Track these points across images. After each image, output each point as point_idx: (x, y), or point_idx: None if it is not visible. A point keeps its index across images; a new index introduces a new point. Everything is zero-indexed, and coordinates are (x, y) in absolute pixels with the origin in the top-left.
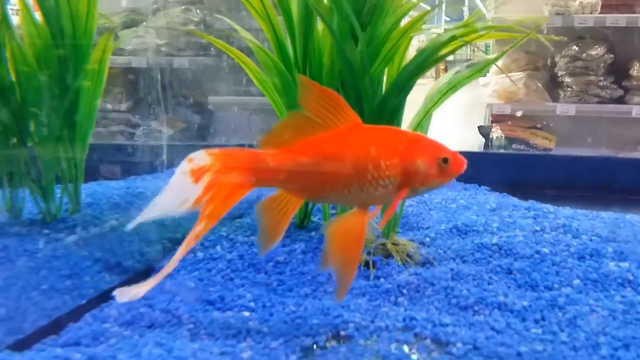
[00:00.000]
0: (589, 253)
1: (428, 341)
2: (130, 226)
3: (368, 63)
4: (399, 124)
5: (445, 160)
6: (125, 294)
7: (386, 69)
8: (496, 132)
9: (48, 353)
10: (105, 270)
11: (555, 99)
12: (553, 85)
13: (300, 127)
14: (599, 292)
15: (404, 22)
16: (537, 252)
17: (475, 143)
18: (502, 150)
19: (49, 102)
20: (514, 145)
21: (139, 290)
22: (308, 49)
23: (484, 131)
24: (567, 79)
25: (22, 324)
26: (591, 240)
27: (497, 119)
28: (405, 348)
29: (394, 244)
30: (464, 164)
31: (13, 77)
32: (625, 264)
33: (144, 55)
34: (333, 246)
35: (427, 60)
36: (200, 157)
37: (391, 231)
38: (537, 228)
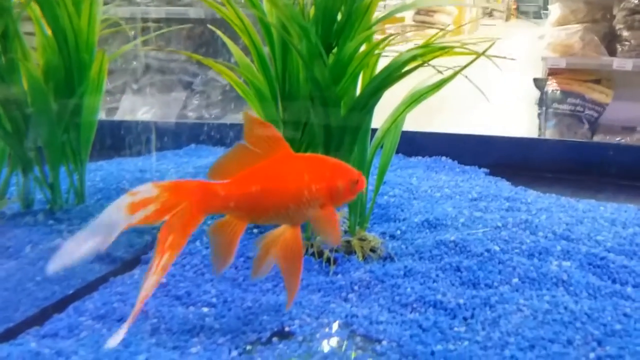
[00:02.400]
0: (538, 251)
1: (359, 338)
2: (51, 269)
3: (334, 81)
4: (366, 132)
5: (355, 182)
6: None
7: (360, 81)
8: (551, 85)
9: (24, 347)
10: (96, 261)
11: (612, 53)
12: (611, 39)
13: (244, 158)
14: (532, 291)
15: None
16: (488, 250)
17: (531, 96)
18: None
19: (55, 107)
20: (569, 100)
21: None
22: (287, 63)
23: (539, 84)
24: (625, 33)
25: (14, 313)
26: (546, 237)
27: (553, 72)
28: (336, 345)
29: (360, 239)
30: (365, 183)
31: (25, 86)
32: (567, 264)
33: (201, 6)
34: (280, 263)
35: (390, 77)
36: (146, 190)
37: (358, 227)
38: (500, 224)
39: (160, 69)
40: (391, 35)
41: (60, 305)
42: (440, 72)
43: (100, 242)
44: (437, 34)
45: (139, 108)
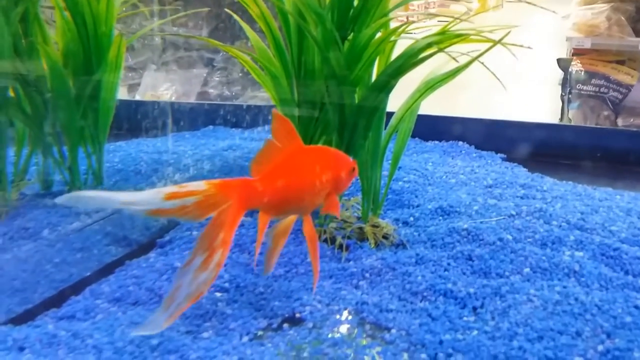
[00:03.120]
0: (552, 241)
1: (368, 326)
2: (59, 201)
3: (349, 68)
4: (380, 121)
5: (353, 170)
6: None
7: (375, 68)
8: (576, 66)
9: (41, 329)
10: (112, 244)
11: (638, 33)
12: (638, 19)
13: (272, 153)
14: (544, 281)
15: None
16: (500, 239)
17: (554, 77)
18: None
19: (74, 90)
20: (593, 81)
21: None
22: (303, 49)
23: (563, 64)
24: None
25: (33, 294)
26: (560, 226)
27: (578, 52)
28: (345, 332)
29: (373, 225)
30: (357, 171)
31: (45, 68)
32: (580, 254)
33: None
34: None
35: (405, 64)
36: (195, 184)
37: (372, 214)
38: (514, 212)
39: (182, 45)
40: (407, 23)
41: (77, 287)
42: (455, 60)
43: (120, 204)
44: (454, 20)
45: (160, 84)
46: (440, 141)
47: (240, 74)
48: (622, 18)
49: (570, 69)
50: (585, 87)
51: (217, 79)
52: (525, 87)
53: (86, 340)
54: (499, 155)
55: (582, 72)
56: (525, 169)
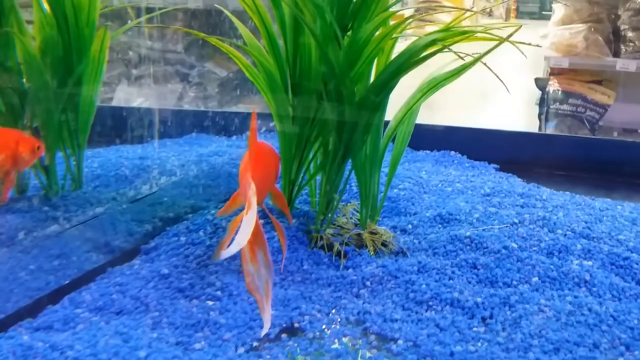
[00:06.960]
0: (558, 249)
1: (373, 337)
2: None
3: (349, 65)
4: (380, 120)
5: None
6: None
7: (375, 67)
8: (553, 86)
9: (15, 340)
10: (93, 250)
11: (616, 53)
12: (615, 40)
13: None
14: (553, 291)
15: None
16: (505, 247)
17: (532, 96)
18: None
19: (53, 86)
20: (570, 100)
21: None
22: (298, 45)
23: (540, 84)
24: (630, 34)
25: (5, 304)
26: (565, 235)
27: (556, 72)
28: (349, 343)
29: (371, 232)
30: None
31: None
32: (589, 263)
33: None
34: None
35: (407, 62)
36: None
37: (369, 220)
38: (516, 220)
39: (157, 59)
40: (411, 17)
41: (55, 296)
42: (461, 57)
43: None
44: (460, 16)
45: (134, 99)
46: (431, 151)
47: (216, 90)
48: (600, 38)
49: (547, 89)
50: (562, 107)
51: (193, 94)
52: (503, 106)
53: (66, 352)
54: (492, 165)
55: (560, 92)
56: (520, 179)
